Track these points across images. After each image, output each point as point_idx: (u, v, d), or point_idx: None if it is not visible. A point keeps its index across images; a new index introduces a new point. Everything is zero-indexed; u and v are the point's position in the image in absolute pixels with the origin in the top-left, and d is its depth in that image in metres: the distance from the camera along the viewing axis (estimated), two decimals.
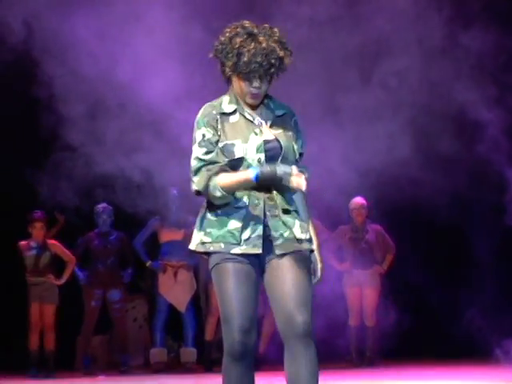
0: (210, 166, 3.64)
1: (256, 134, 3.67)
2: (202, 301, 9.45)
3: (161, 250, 9.24)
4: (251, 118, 3.71)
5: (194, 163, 3.65)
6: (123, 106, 8.53)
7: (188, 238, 8.52)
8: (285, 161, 3.65)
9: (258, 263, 3.67)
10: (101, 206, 9.12)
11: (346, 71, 8.73)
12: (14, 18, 7.99)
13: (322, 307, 8.60)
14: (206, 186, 3.62)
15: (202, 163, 3.66)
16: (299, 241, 3.66)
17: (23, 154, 9.25)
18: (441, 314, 10.12)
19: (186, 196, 8.90)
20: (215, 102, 3.75)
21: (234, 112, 3.72)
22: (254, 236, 3.61)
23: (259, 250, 3.60)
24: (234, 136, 3.67)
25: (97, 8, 8.26)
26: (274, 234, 3.63)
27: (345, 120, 8.92)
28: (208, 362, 9.01)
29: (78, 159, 8.48)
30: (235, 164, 3.66)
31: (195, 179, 3.65)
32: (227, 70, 3.66)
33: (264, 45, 3.59)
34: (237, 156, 3.64)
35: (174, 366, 9.28)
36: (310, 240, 3.73)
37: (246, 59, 3.58)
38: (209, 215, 3.70)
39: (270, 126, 3.73)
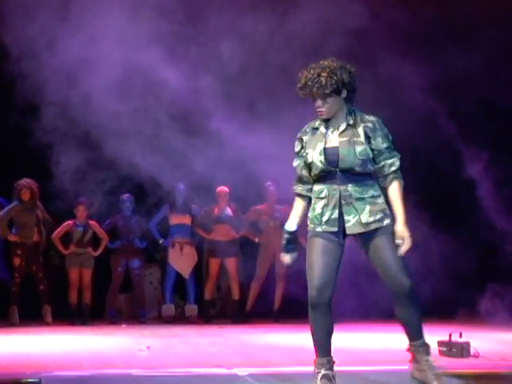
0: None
1: (321, 142, 3.97)
2: (203, 270, 9.89)
3: (170, 230, 9.62)
4: (323, 130, 4.01)
5: None
6: None
7: (192, 221, 9.67)
8: (343, 163, 3.91)
9: (337, 239, 3.95)
10: (125, 195, 9.55)
11: None
12: None
13: (302, 278, 9.43)
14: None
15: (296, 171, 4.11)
16: (366, 224, 3.92)
17: None
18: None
19: (190, 189, 9.59)
20: (317, 120, 4.04)
21: (319, 126, 4.04)
22: (332, 218, 3.95)
23: (335, 229, 3.93)
24: (311, 145, 4.02)
25: None
26: (347, 217, 3.95)
27: None
28: (206, 315, 9.50)
29: None
30: (310, 167, 4.02)
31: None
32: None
33: (312, 72, 3.93)
34: (309, 161, 4.00)
35: (180, 319, 9.51)
36: (381, 219, 3.93)
37: (300, 85, 3.97)
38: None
39: (340, 135, 3.97)
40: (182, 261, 9.66)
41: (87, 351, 6.34)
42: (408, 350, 4.11)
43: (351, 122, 3.98)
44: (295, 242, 4.07)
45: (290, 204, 4.34)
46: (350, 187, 3.95)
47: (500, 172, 9.33)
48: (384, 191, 4.07)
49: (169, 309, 9.66)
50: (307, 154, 4.01)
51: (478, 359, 5.71)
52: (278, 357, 5.78)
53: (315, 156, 3.97)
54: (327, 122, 4.01)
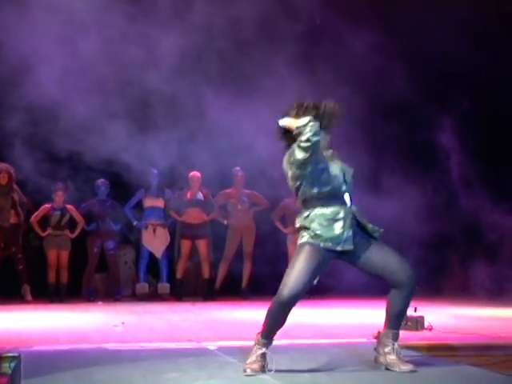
0: None
1: (336, 163, 4.06)
2: (175, 250, 9.87)
3: (144, 213, 9.68)
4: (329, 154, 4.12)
5: None
6: None
7: (165, 204, 9.68)
8: (348, 179, 4.04)
9: (330, 259, 3.98)
10: (100, 180, 9.52)
11: None
12: None
13: (268, 258, 9.14)
14: None
15: None
16: (373, 231, 4.03)
17: None
18: None
19: (162, 174, 9.64)
20: None
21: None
22: (349, 236, 3.95)
23: (351, 247, 3.94)
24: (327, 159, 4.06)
25: None
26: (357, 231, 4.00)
27: None
28: (178, 293, 9.51)
29: None
30: (321, 181, 4.00)
31: None
32: None
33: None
34: (332, 173, 4.01)
35: (153, 296, 9.58)
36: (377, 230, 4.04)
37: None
38: (317, 219, 3.96)
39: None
40: (154, 242, 9.69)
41: (64, 327, 6.33)
42: (377, 335, 4.14)
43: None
44: None
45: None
46: (353, 206, 4.04)
47: None
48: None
49: (142, 287, 9.73)
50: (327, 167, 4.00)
51: (431, 332, 5.81)
52: (245, 331, 5.75)
53: (334, 169, 4.01)
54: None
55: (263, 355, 3.94)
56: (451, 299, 8.97)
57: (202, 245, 9.71)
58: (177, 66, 8.04)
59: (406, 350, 4.73)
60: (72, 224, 9.52)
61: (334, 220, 3.95)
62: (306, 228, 3.98)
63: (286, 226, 9.70)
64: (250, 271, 9.77)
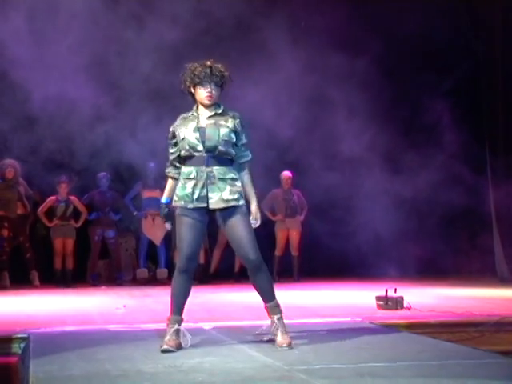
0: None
1: (194, 122, 4.06)
2: (173, 238, 9.44)
3: (143, 203, 9.63)
4: (195, 114, 4.08)
5: None
6: None
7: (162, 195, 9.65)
8: (209, 142, 3.98)
9: (202, 217, 4.02)
10: (101, 173, 9.48)
11: None
12: None
13: (259, 244, 9.44)
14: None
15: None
16: (226, 201, 3.99)
17: None
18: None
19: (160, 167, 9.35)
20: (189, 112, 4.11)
21: (192, 114, 4.10)
22: (201, 196, 3.98)
23: (204, 204, 3.98)
24: (183, 126, 4.08)
25: None
26: (211, 194, 4.00)
27: None
28: None
29: None
30: (180, 148, 4.09)
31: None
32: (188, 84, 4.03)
33: (208, 63, 4.06)
34: (181, 138, 4.05)
35: (152, 281, 9.48)
36: (238, 199, 4.01)
37: (195, 71, 4.02)
38: (178, 183, 4.10)
39: (208, 118, 4.05)
40: (153, 230, 9.67)
41: (70, 310, 6.35)
42: (265, 309, 4.18)
43: (219, 111, 4.09)
44: (171, 212, 4.19)
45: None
46: (215, 169, 4.01)
47: None
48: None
49: (142, 272, 9.73)
50: (179, 133, 4.05)
51: (410, 311, 5.83)
52: (238, 312, 5.86)
53: (188, 133, 4.03)
54: (198, 109, 4.11)
55: (176, 331, 4.02)
56: (443, 280, 8.90)
57: None
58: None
59: (386, 328, 4.82)
60: (76, 214, 9.52)
61: (187, 179, 4.03)
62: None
63: (274, 214, 9.78)
64: None
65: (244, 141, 4.15)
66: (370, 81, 9.30)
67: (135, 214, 9.77)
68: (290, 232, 9.84)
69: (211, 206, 4.01)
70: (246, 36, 8.72)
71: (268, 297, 4.13)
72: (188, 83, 4.07)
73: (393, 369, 3.46)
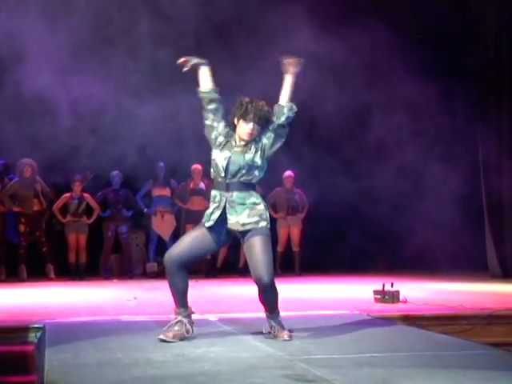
0: None
1: (229, 151, 4.02)
2: (181, 234, 9.56)
3: (153, 201, 9.67)
4: (233, 144, 4.05)
5: None
6: None
7: (171, 193, 9.74)
8: (233, 166, 3.99)
9: (218, 236, 4.02)
10: (115, 172, 9.50)
11: None
12: None
13: None
14: None
15: None
16: (243, 224, 3.95)
17: None
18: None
19: (169, 168, 9.68)
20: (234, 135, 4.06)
21: (232, 140, 4.07)
22: (220, 218, 4.00)
23: (211, 223, 3.99)
24: (221, 147, 4.06)
25: None
26: (229, 217, 3.99)
27: None
28: None
29: None
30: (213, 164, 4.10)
31: None
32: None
33: (255, 102, 3.99)
34: (212, 158, 4.07)
35: (161, 274, 8.70)
36: (257, 222, 3.95)
37: (242, 107, 3.96)
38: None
39: (236, 147, 4.03)
40: (163, 226, 9.71)
41: (84, 301, 6.34)
42: (265, 313, 4.18)
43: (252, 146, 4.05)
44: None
45: None
46: (235, 194, 3.99)
47: None
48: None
49: (152, 266, 9.73)
50: (214, 152, 4.04)
51: (405, 304, 5.80)
52: (242, 305, 5.84)
53: (219, 159, 4.02)
54: (236, 140, 4.06)
55: (178, 323, 4.00)
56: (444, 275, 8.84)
57: None
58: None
59: (383, 320, 4.81)
60: (89, 211, 9.54)
61: (213, 202, 4.05)
62: None
63: (276, 212, 9.73)
64: None
65: (275, 126, 4.07)
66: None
67: (145, 210, 9.79)
68: (291, 229, 9.83)
69: (229, 227, 4.01)
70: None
71: (270, 309, 4.12)
72: (235, 115, 4.04)
73: (389, 359, 3.46)
